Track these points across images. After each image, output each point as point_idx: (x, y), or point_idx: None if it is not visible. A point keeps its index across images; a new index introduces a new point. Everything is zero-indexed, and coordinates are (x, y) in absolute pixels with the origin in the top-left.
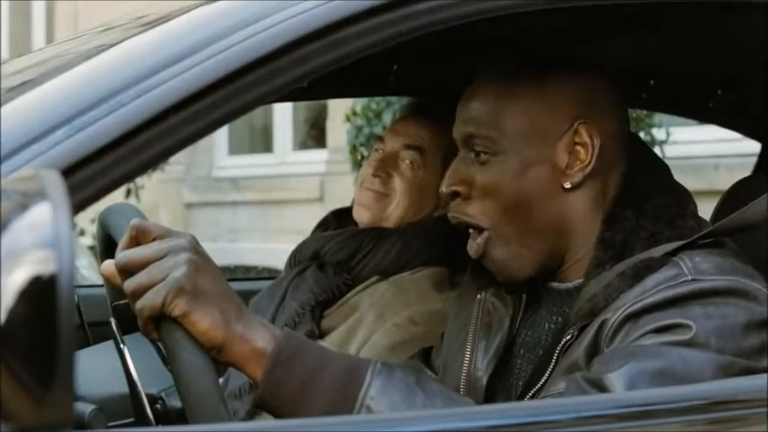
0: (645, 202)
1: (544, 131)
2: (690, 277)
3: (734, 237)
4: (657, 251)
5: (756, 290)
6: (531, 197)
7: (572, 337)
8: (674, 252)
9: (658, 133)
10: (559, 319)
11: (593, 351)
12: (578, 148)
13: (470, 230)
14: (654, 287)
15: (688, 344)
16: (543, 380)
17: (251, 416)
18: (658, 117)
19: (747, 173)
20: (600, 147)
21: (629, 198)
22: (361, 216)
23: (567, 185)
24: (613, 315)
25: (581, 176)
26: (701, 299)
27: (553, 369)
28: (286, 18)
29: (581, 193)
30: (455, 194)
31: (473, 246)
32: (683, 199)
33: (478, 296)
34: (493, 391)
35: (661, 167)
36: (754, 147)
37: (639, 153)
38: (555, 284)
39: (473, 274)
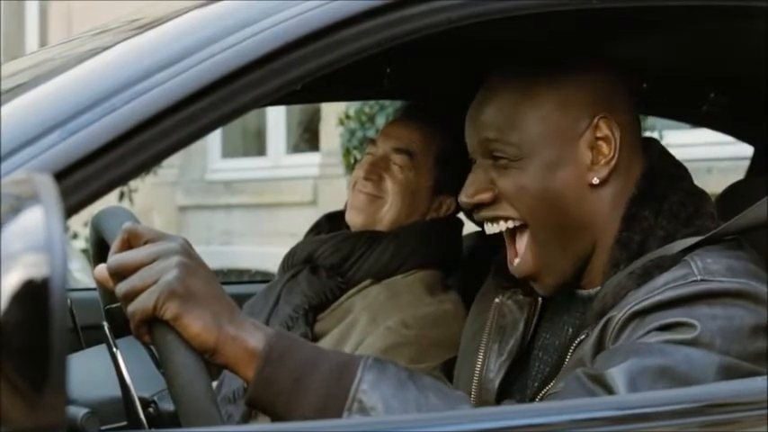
0: (663, 201)
1: (564, 131)
2: (699, 277)
3: (750, 238)
4: (669, 249)
5: (766, 294)
6: (559, 197)
7: (586, 336)
8: (687, 251)
9: (651, 136)
10: (577, 322)
11: (599, 348)
12: (600, 143)
13: (507, 236)
14: (662, 286)
15: (692, 343)
16: (555, 380)
17: (246, 420)
18: (651, 120)
19: (740, 176)
20: (621, 139)
21: (647, 198)
22: (354, 219)
23: (595, 181)
24: (619, 312)
25: (607, 171)
26: (709, 299)
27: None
28: (280, 21)
29: (608, 188)
30: (479, 204)
31: (514, 255)
32: (701, 199)
33: (496, 300)
34: (507, 394)
35: (680, 169)
36: (747, 150)
37: (658, 155)
38: (579, 291)
39: (494, 280)
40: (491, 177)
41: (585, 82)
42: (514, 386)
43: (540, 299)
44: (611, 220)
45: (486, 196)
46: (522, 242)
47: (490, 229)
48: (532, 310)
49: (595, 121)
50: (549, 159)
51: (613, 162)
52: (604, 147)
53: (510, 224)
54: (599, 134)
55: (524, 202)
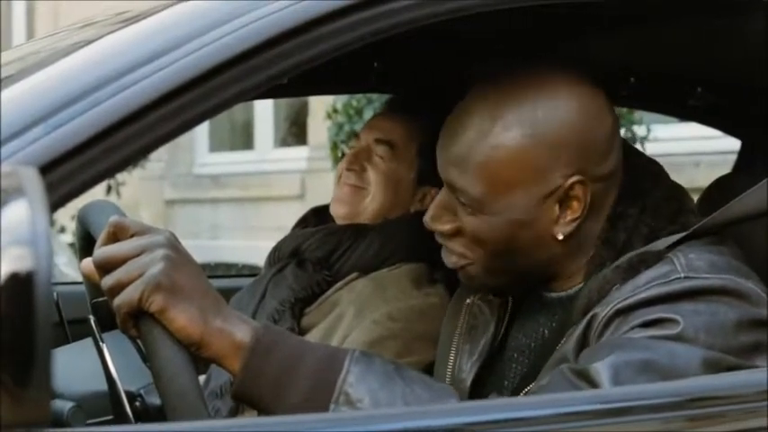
0: (646, 197)
1: (534, 185)
2: (682, 275)
3: (733, 232)
4: (654, 246)
5: (750, 290)
6: (520, 247)
7: (570, 333)
8: (671, 247)
9: (639, 130)
10: (555, 325)
11: (583, 345)
12: (573, 202)
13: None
14: (646, 283)
15: (676, 338)
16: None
17: (233, 414)
18: (639, 114)
19: (728, 170)
20: (593, 194)
21: (630, 195)
22: (338, 210)
23: (560, 237)
24: (603, 309)
25: (572, 227)
26: (693, 296)
27: None
28: (264, 15)
29: (574, 239)
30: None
31: (450, 259)
32: (683, 195)
33: (468, 300)
34: (480, 395)
35: (655, 165)
36: (734, 144)
37: (634, 154)
38: (552, 294)
39: None
40: (457, 212)
41: (567, 128)
42: (488, 387)
43: (510, 299)
44: (582, 245)
45: (446, 228)
46: (464, 263)
47: (447, 259)
48: (503, 310)
49: (570, 182)
50: (515, 213)
51: (579, 219)
52: (575, 205)
53: (463, 262)
54: (571, 193)
55: (482, 248)
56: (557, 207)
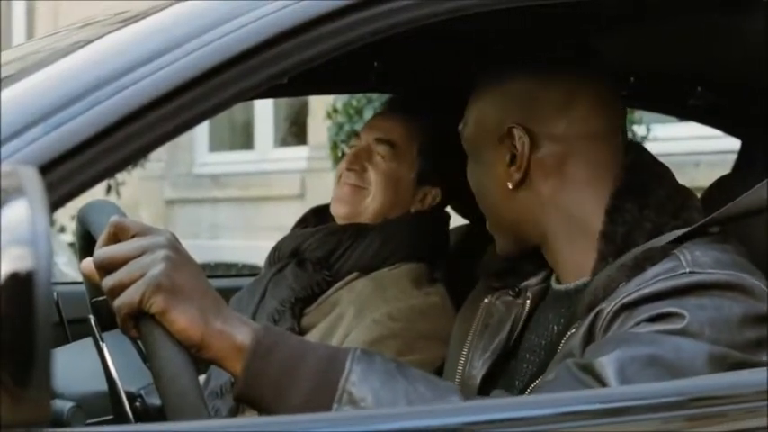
0: (649, 195)
1: (489, 133)
2: (688, 270)
3: (734, 230)
4: (659, 241)
5: (755, 285)
6: (492, 194)
7: (576, 329)
8: (675, 244)
9: (639, 130)
10: (563, 320)
11: (589, 340)
12: (517, 149)
13: None
14: (652, 278)
15: (681, 332)
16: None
17: (233, 414)
18: (639, 114)
19: (728, 170)
20: (542, 150)
21: (630, 191)
22: (338, 210)
23: (509, 186)
24: (609, 305)
25: (518, 176)
26: (698, 291)
27: None
28: (263, 15)
29: (530, 192)
30: None
31: None
32: (687, 194)
33: (485, 300)
34: (490, 393)
35: (663, 167)
36: (734, 144)
37: (640, 153)
38: (558, 286)
39: (484, 282)
40: None
41: (518, 86)
42: (498, 386)
43: (528, 301)
44: (562, 220)
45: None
46: None
47: None
48: (520, 311)
49: (507, 128)
50: (481, 158)
51: (521, 173)
52: (519, 154)
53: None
54: (514, 141)
55: (478, 199)
56: (508, 157)
